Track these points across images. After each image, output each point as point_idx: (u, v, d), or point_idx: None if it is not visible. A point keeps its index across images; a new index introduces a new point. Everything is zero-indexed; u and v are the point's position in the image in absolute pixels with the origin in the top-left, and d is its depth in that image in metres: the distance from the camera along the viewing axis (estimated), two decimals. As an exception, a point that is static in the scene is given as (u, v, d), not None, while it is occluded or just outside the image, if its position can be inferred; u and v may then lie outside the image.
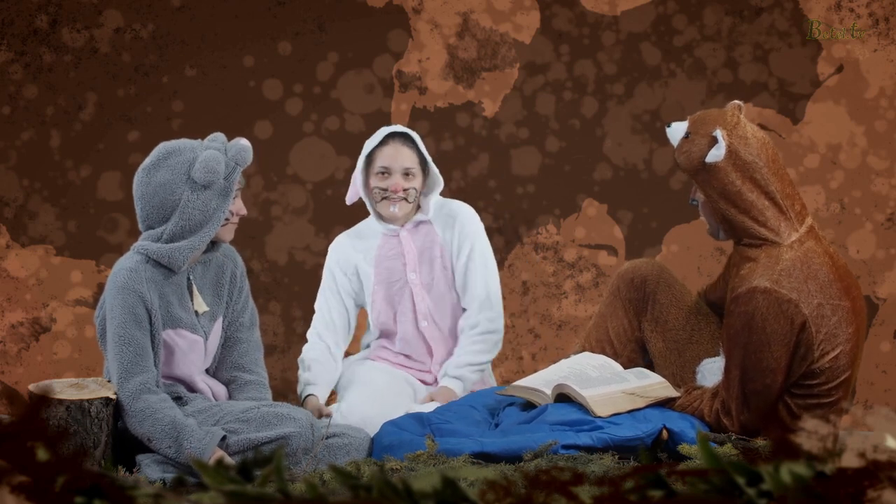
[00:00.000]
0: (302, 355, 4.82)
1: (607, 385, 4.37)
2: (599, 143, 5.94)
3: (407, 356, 4.85)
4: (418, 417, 4.46)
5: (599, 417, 4.27)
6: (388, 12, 5.93)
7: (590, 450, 4.18)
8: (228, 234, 4.41)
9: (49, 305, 5.93)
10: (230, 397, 4.50)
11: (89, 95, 5.93)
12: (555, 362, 4.68)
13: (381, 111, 5.93)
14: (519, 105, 5.95)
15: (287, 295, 5.97)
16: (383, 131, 4.79)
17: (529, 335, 5.94)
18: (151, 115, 5.93)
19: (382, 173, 4.75)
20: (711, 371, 4.46)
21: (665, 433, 4.27)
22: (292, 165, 5.97)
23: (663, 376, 4.52)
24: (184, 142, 4.35)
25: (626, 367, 4.57)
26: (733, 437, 4.23)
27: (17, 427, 2.40)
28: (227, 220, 4.36)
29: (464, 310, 4.82)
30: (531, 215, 5.95)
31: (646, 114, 5.92)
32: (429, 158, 4.78)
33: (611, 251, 5.96)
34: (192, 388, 4.42)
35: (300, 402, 4.73)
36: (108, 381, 4.29)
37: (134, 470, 4.19)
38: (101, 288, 5.87)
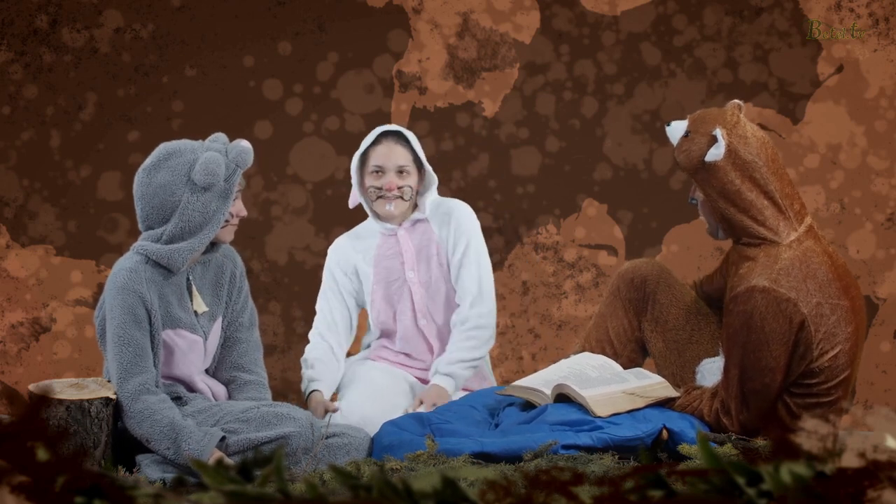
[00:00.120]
0: (305, 355, 4.82)
1: (607, 385, 4.37)
2: (599, 143, 5.94)
3: (407, 355, 4.86)
4: (418, 417, 4.46)
5: (599, 417, 4.27)
6: (388, 12, 5.93)
7: (590, 450, 4.18)
8: (228, 235, 4.41)
9: (49, 305, 5.93)
10: (230, 397, 4.50)
11: (89, 95, 5.93)
12: (555, 362, 4.68)
13: (381, 111, 5.93)
14: (519, 105, 5.95)
15: (287, 295, 5.97)
16: (376, 130, 4.81)
17: (529, 335, 5.94)
18: (151, 115, 5.93)
19: (377, 172, 4.76)
20: (711, 371, 4.46)
21: (665, 433, 4.27)
22: (292, 165, 5.97)
23: (663, 376, 4.52)
24: (184, 143, 4.35)
25: (625, 367, 4.57)
26: (733, 437, 4.23)
27: (17, 427, 2.40)
28: (226, 221, 4.36)
29: (458, 306, 4.82)
30: (531, 215, 5.95)
31: (646, 114, 5.92)
32: (423, 156, 4.79)
33: (611, 251, 5.96)
34: (191, 388, 4.42)
35: (304, 398, 4.73)
36: (108, 381, 4.29)
37: (134, 470, 4.19)
38: (101, 288, 5.87)
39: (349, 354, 5.01)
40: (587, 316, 5.87)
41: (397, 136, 4.79)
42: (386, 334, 4.89)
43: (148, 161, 4.35)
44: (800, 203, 4.40)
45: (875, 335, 5.84)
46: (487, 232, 4.92)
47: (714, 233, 4.48)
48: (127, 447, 4.25)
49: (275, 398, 4.58)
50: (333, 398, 4.80)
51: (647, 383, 4.41)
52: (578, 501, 2.37)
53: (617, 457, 4.15)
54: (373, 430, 4.46)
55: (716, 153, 4.34)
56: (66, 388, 4.22)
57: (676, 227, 5.91)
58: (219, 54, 5.94)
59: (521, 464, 4.12)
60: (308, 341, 4.87)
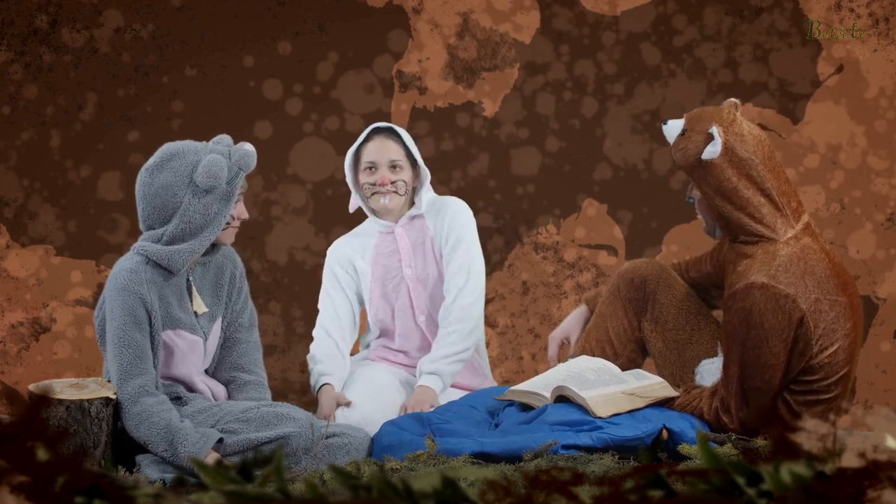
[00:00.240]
0: (311, 352, 4.81)
1: (607, 386, 4.37)
2: (599, 143, 5.94)
3: (406, 353, 4.86)
4: (418, 417, 4.46)
5: (600, 418, 4.27)
6: (388, 12, 5.93)
7: (590, 450, 4.18)
8: (229, 237, 4.40)
9: (49, 305, 5.94)
10: (229, 397, 4.49)
11: (89, 95, 5.93)
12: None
13: (381, 111, 5.93)
14: (519, 105, 5.95)
15: (287, 295, 5.97)
16: (368, 129, 4.83)
17: (529, 335, 5.94)
18: (151, 115, 5.94)
19: (370, 168, 4.78)
20: (710, 372, 4.46)
21: (665, 433, 4.27)
22: (292, 165, 5.97)
23: (663, 376, 4.52)
24: (188, 144, 4.34)
25: (625, 367, 4.57)
26: (733, 437, 4.23)
27: (17, 427, 2.40)
28: (228, 224, 4.36)
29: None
30: (531, 215, 5.95)
31: (646, 114, 5.92)
32: (415, 151, 4.80)
33: (611, 251, 5.96)
34: (191, 389, 4.42)
35: (314, 393, 4.73)
36: (108, 381, 4.29)
37: (134, 470, 4.19)
38: (101, 288, 5.87)
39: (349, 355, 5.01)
40: (587, 316, 5.87)
41: (389, 131, 4.81)
42: (385, 333, 4.90)
43: (151, 161, 4.34)
44: (797, 201, 4.40)
45: (875, 335, 5.84)
46: (487, 232, 4.92)
47: (711, 231, 4.49)
48: (127, 447, 4.25)
49: (275, 398, 4.58)
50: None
51: (647, 384, 4.41)
52: (578, 501, 2.37)
53: (617, 457, 4.15)
54: (373, 430, 4.46)
55: (712, 151, 4.34)
56: (66, 388, 4.22)
57: (676, 227, 5.91)
58: (219, 54, 5.94)
59: (521, 464, 4.11)
60: (311, 340, 4.87)
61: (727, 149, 4.34)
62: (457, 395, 4.74)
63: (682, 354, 4.56)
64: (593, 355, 4.61)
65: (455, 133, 5.95)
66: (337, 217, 5.76)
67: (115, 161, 5.91)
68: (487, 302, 5.88)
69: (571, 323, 4.77)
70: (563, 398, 4.38)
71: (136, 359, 4.21)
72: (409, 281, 4.83)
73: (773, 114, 5.88)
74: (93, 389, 4.23)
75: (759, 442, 4.21)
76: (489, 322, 5.91)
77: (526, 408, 4.46)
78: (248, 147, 4.33)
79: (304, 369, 5.95)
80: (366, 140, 4.81)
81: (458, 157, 5.94)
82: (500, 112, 5.95)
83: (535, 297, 5.94)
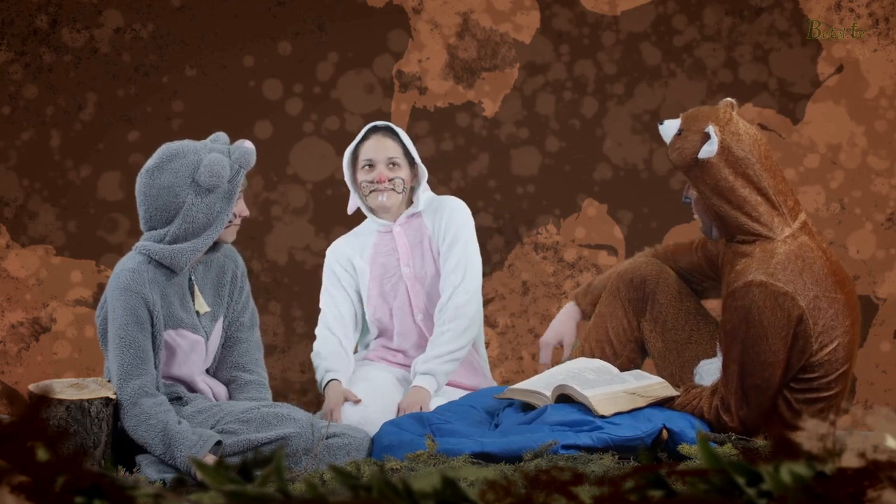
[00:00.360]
0: (315, 350, 4.81)
1: (608, 385, 4.37)
2: (599, 143, 5.94)
3: (405, 353, 4.86)
4: (418, 417, 4.46)
5: (602, 417, 4.27)
6: (388, 12, 5.93)
7: (590, 450, 4.18)
8: (231, 235, 4.41)
9: (49, 305, 5.94)
10: (230, 397, 4.49)
11: (89, 95, 5.93)
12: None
13: (381, 111, 5.93)
14: (519, 105, 5.95)
15: (287, 295, 5.97)
16: (366, 127, 4.83)
17: (529, 335, 5.94)
18: (151, 115, 5.94)
19: (367, 166, 4.79)
20: (709, 372, 4.46)
21: (665, 433, 4.27)
22: (292, 165, 5.97)
23: (662, 376, 4.52)
24: (187, 144, 4.34)
25: (625, 367, 4.57)
26: (733, 437, 4.23)
27: (17, 427, 2.40)
28: (230, 221, 4.36)
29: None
30: (531, 215, 5.95)
31: (646, 114, 5.92)
32: (413, 150, 4.80)
33: (611, 251, 5.96)
34: (192, 388, 4.42)
35: (320, 390, 4.72)
36: (108, 381, 4.29)
37: (134, 470, 4.19)
38: (101, 288, 5.88)
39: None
40: (587, 316, 5.87)
41: (386, 130, 4.82)
42: (383, 332, 4.89)
43: (150, 162, 4.34)
44: (794, 200, 4.40)
45: (875, 335, 5.84)
46: (487, 232, 4.92)
47: (708, 231, 4.48)
48: (127, 447, 4.24)
49: (275, 398, 4.58)
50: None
51: (647, 383, 4.41)
52: (578, 501, 2.37)
53: (617, 457, 4.15)
54: (373, 430, 4.46)
55: (709, 150, 4.34)
56: (66, 388, 4.22)
57: (676, 227, 5.91)
58: (219, 54, 5.94)
59: (521, 464, 4.11)
60: (312, 339, 4.87)
61: (724, 148, 4.34)
62: (457, 394, 4.74)
63: (681, 354, 4.56)
64: (593, 355, 4.61)
65: (455, 133, 5.95)
66: (337, 217, 5.76)
67: (115, 161, 5.91)
68: (487, 302, 5.88)
69: (562, 325, 4.75)
70: (564, 397, 4.38)
71: (136, 359, 4.21)
72: (408, 280, 4.83)
73: (773, 114, 5.88)
74: (93, 389, 4.23)
75: (759, 442, 4.21)
76: (489, 322, 5.91)
77: (526, 408, 4.46)
78: (248, 144, 4.33)
79: (305, 369, 5.95)
80: (364, 138, 4.82)
81: (458, 157, 5.94)
82: (500, 112, 5.95)
83: (535, 297, 5.94)
